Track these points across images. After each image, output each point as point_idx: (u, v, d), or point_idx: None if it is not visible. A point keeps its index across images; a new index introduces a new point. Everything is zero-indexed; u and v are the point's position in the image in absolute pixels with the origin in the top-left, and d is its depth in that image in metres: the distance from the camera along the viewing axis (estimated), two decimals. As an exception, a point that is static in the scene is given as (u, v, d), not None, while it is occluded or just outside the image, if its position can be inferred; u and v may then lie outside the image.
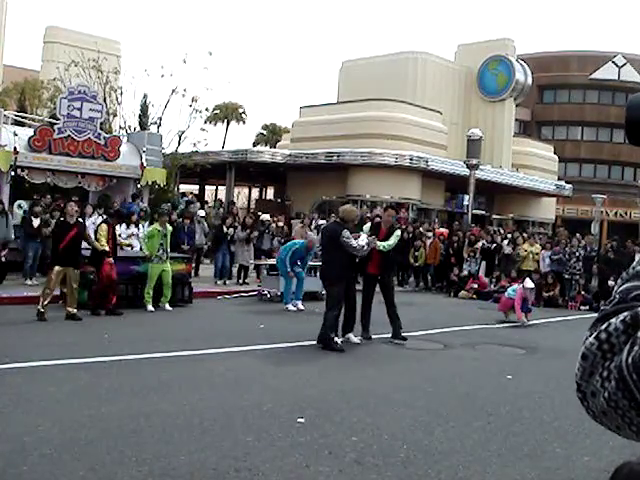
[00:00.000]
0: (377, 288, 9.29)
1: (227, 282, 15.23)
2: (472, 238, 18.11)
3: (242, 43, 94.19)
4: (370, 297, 9.34)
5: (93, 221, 13.19)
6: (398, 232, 9.51)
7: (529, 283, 12.39)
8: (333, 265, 8.42)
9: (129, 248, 13.03)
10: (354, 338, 8.87)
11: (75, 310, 9.51)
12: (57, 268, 9.51)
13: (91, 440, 4.42)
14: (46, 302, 9.30)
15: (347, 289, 8.68)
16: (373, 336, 9.23)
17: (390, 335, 9.19)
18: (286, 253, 12.29)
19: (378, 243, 8.97)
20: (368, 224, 9.79)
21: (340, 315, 8.53)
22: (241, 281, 15.49)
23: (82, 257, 10.17)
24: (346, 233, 8.38)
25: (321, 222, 18.20)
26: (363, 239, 8.62)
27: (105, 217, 11.67)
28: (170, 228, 11.93)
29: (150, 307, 11.09)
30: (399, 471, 4.20)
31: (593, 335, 0.87)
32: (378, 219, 12.16)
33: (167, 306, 11.24)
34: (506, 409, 5.86)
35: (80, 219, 10.36)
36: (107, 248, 10.34)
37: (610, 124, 45.23)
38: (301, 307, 12.17)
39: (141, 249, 12.65)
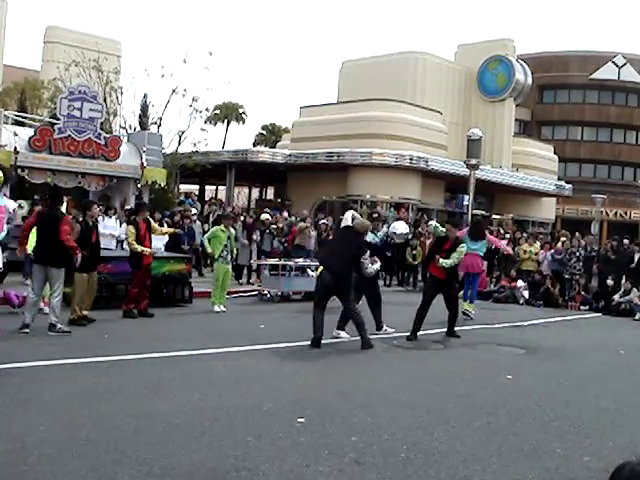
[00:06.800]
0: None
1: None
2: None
3: (242, 43, 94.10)
4: (431, 301, 9.71)
5: (106, 224, 13.21)
6: (462, 249, 10.00)
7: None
8: (342, 260, 8.55)
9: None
10: (345, 335, 9.16)
11: (88, 312, 9.47)
12: (84, 274, 9.36)
13: (91, 440, 4.42)
14: (80, 311, 9.27)
15: (373, 286, 9.67)
16: (371, 336, 9.25)
17: (446, 330, 9.88)
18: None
19: (441, 261, 9.62)
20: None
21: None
22: (242, 281, 15.55)
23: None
24: (366, 255, 8.70)
25: (323, 221, 18.20)
26: (376, 266, 9.03)
27: (131, 217, 11.24)
28: (233, 231, 12.17)
29: (217, 308, 11.37)
30: (399, 471, 4.20)
31: None
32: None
33: (222, 307, 11.46)
34: (506, 409, 5.85)
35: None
36: (147, 250, 10.30)
37: (610, 124, 45.27)
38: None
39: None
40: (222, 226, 11.87)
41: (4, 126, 14.05)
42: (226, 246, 11.58)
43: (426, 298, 9.73)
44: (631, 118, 44.98)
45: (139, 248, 10.25)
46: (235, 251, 12.07)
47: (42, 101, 24.85)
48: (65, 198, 10.03)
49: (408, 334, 9.43)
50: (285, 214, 19.29)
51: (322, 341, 8.41)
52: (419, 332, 9.53)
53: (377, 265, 9.13)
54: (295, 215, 19.78)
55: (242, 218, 16.75)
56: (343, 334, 9.17)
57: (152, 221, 11.24)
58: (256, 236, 16.08)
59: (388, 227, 11.28)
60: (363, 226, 8.97)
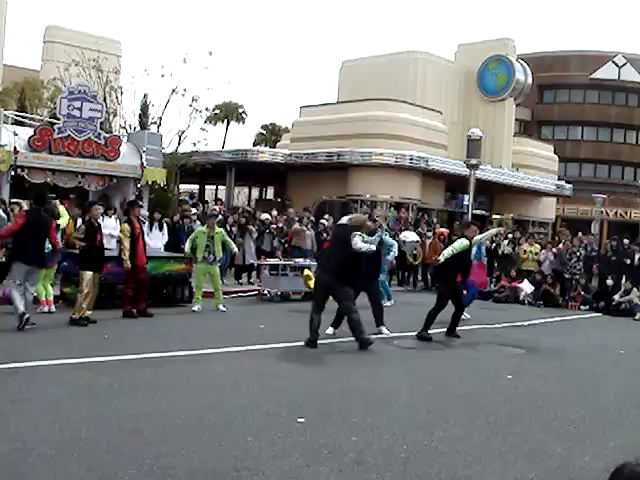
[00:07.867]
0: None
1: (226, 282, 15.30)
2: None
3: (242, 43, 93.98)
4: (446, 302, 9.83)
5: (105, 224, 13.15)
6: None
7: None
8: (335, 259, 8.55)
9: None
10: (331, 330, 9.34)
11: (90, 312, 9.47)
12: (90, 274, 9.39)
13: (91, 440, 4.42)
14: (84, 311, 9.27)
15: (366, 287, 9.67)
16: (372, 336, 9.25)
17: (446, 330, 9.88)
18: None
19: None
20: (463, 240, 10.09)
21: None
22: (242, 281, 15.55)
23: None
24: (355, 238, 8.39)
25: (322, 221, 18.17)
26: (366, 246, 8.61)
27: (126, 217, 11.12)
28: (219, 230, 11.89)
29: (195, 307, 11.28)
30: (399, 471, 4.20)
31: None
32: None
33: (221, 307, 11.43)
34: (506, 409, 5.85)
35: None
36: (128, 263, 10.15)
37: (610, 124, 45.26)
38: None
39: None
40: (204, 227, 11.80)
41: (4, 126, 14.02)
42: (208, 246, 11.42)
43: (444, 300, 9.76)
44: (631, 118, 44.97)
45: (127, 254, 10.17)
46: (220, 252, 11.67)
47: (42, 101, 24.82)
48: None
49: (422, 333, 9.50)
50: (275, 212, 19.27)
51: (321, 341, 8.41)
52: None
53: (369, 246, 8.61)
54: (289, 215, 19.77)
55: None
56: (329, 330, 9.28)
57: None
58: (253, 235, 16.06)
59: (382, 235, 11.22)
60: (359, 220, 8.92)
